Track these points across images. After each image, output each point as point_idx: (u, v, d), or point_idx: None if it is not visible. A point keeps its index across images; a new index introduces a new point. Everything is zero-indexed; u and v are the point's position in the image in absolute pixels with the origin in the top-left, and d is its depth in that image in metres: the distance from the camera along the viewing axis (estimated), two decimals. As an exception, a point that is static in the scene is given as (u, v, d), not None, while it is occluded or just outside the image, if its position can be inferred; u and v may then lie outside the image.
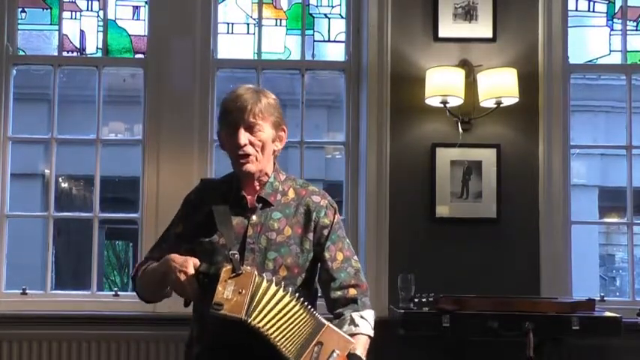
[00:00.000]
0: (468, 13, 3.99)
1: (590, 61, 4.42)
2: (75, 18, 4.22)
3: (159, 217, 3.93)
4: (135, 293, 2.25)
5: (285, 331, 1.85)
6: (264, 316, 1.83)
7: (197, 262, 1.95)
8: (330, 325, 1.93)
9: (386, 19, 3.98)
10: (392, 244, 3.89)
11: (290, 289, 1.95)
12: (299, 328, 1.87)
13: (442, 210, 3.92)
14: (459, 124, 3.91)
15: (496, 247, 3.90)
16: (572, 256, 4.03)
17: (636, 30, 4.33)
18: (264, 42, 4.20)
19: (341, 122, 4.21)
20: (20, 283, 4.04)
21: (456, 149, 3.92)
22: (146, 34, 4.15)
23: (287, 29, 4.30)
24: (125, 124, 7.23)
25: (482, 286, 3.74)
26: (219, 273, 1.87)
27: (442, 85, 3.78)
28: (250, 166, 2.09)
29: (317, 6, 4.29)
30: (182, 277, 1.92)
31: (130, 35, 4.22)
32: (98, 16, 4.22)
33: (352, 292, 2.11)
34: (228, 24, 4.27)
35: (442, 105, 3.83)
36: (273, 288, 1.88)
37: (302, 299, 1.92)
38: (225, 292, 1.83)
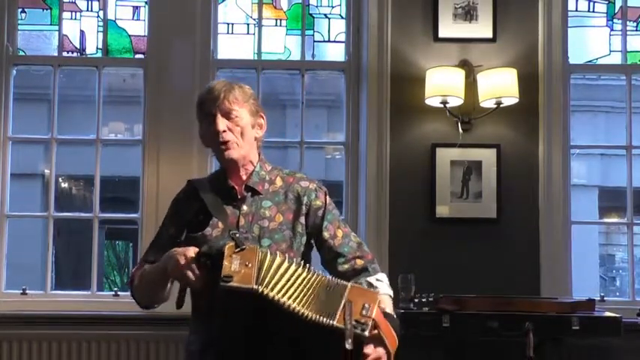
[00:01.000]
0: (468, 13, 3.99)
1: (590, 61, 4.42)
2: (75, 18, 4.22)
3: (159, 217, 3.89)
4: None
5: (305, 299, 1.83)
6: (275, 284, 1.82)
7: (192, 249, 1.94)
8: (354, 284, 1.93)
9: (386, 19, 3.98)
10: (392, 244, 3.89)
11: (296, 259, 1.95)
12: (321, 291, 1.86)
13: (442, 210, 3.92)
14: (459, 124, 3.91)
15: (496, 247, 3.90)
16: (572, 256, 4.03)
17: (636, 30, 4.33)
18: (264, 42, 4.21)
19: (341, 122, 4.21)
20: (20, 283, 4.04)
21: (456, 149, 3.92)
22: (146, 34, 4.15)
23: (287, 29, 4.30)
24: (125, 124, 7.22)
25: (482, 286, 3.74)
26: (222, 251, 1.86)
27: (442, 85, 3.78)
28: (232, 152, 2.09)
29: (317, 6, 4.29)
30: (182, 260, 1.91)
31: (130, 35, 4.22)
32: (98, 16, 4.22)
33: (359, 262, 2.13)
34: (228, 24, 4.27)
35: (442, 105, 3.83)
36: (279, 259, 1.88)
37: (313, 268, 1.91)
38: (232, 265, 1.82)
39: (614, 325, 3.35)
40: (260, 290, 1.80)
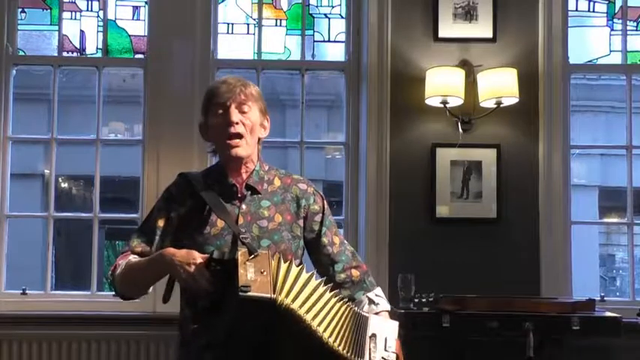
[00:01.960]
0: (468, 13, 3.99)
1: (590, 61, 4.42)
2: (75, 18, 4.22)
3: (159, 217, 3.93)
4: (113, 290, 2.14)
5: (329, 324, 1.81)
6: (296, 296, 1.79)
7: (198, 254, 1.91)
8: (372, 315, 1.95)
9: (386, 19, 3.98)
10: (392, 244, 3.89)
11: (313, 271, 1.93)
12: (344, 322, 1.84)
13: (442, 210, 3.92)
14: (459, 124, 3.91)
15: (496, 247, 3.90)
16: (572, 256, 4.03)
17: (636, 30, 4.33)
18: (264, 42, 4.21)
19: (341, 122, 4.21)
20: (20, 283, 4.04)
21: (456, 149, 3.92)
22: (146, 34, 4.15)
23: (287, 29, 4.30)
24: (125, 124, 7.23)
25: (482, 286, 3.73)
26: (235, 257, 1.82)
27: (442, 85, 3.78)
28: (240, 150, 2.06)
29: (317, 6, 4.29)
30: (191, 268, 1.87)
31: (130, 35, 4.22)
32: (98, 16, 4.22)
33: (355, 273, 2.14)
34: (228, 24, 4.27)
35: (442, 105, 3.83)
36: (295, 268, 1.84)
37: (330, 284, 1.90)
38: (248, 274, 1.78)
39: (614, 325, 3.35)
40: (279, 300, 1.76)
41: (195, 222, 2.05)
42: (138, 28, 4.21)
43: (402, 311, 3.41)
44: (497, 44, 3.99)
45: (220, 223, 2.03)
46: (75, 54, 4.22)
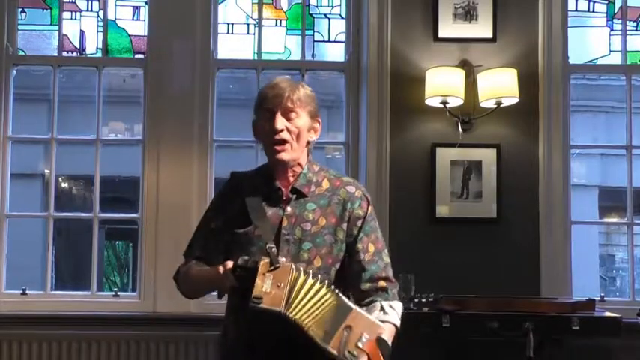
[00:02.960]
0: (468, 14, 3.99)
1: (590, 61, 4.42)
2: (75, 18, 4.22)
3: (159, 217, 3.93)
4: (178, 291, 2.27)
5: (316, 318, 1.87)
6: (301, 308, 1.85)
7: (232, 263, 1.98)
8: (359, 309, 1.95)
9: (386, 19, 3.98)
10: (392, 244, 3.87)
11: (326, 280, 1.96)
12: (327, 311, 1.89)
13: (442, 210, 3.92)
14: (459, 124, 3.91)
15: (496, 247, 3.90)
16: (572, 256, 4.03)
17: (636, 30, 4.33)
18: (264, 42, 4.21)
19: (341, 122, 4.21)
20: (20, 283, 4.04)
21: (456, 149, 3.92)
22: (146, 34, 4.15)
23: (287, 29, 4.29)
24: (125, 124, 7.22)
25: (482, 286, 3.73)
26: (256, 266, 1.87)
27: (442, 85, 3.78)
28: (284, 155, 2.08)
29: (317, 6, 4.29)
30: (220, 268, 1.95)
31: (130, 35, 4.22)
32: (98, 16, 4.22)
33: (382, 283, 2.12)
34: (228, 24, 4.26)
35: (442, 105, 3.83)
36: (310, 281, 1.90)
37: (334, 288, 1.93)
38: (264, 285, 1.83)
39: (614, 325, 3.35)
40: (287, 314, 1.83)
41: (242, 222, 2.08)
42: (138, 28, 4.21)
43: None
44: (497, 44, 3.99)
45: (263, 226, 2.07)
46: (75, 54, 4.22)
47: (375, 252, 2.14)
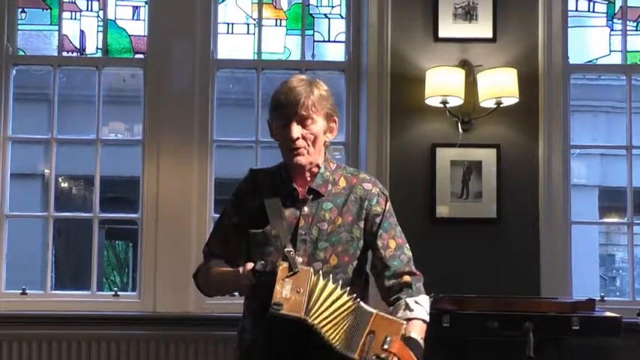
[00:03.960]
0: (468, 13, 3.99)
1: (590, 61, 4.42)
2: (75, 18, 4.21)
3: (159, 217, 3.93)
4: (199, 288, 2.27)
5: (337, 326, 1.87)
6: (322, 314, 1.86)
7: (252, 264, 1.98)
8: (379, 313, 1.94)
9: (386, 19, 3.98)
10: (392, 244, 3.88)
11: (341, 282, 1.96)
12: (347, 319, 1.89)
13: (442, 210, 3.92)
14: (459, 124, 3.91)
15: (496, 247, 3.90)
16: (572, 256, 4.03)
17: (636, 30, 4.33)
18: (264, 42, 4.21)
19: (341, 122, 4.17)
20: (20, 283, 4.04)
21: (456, 149, 3.92)
22: (146, 34, 4.15)
23: (287, 29, 4.29)
24: (125, 124, 7.22)
25: (482, 286, 3.73)
26: (275, 271, 1.88)
27: (442, 85, 3.78)
28: (301, 159, 2.09)
29: (317, 6, 4.29)
30: (240, 270, 1.96)
31: (130, 35, 4.22)
32: (98, 16, 4.21)
33: (406, 278, 2.12)
34: (228, 24, 4.26)
35: (442, 105, 3.83)
36: (331, 286, 1.90)
37: (354, 293, 1.94)
38: (284, 291, 1.84)
39: (614, 325, 3.35)
40: (308, 320, 1.84)
41: (260, 220, 2.09)
42: (138, 28, 4.21)
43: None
44: (497, 44, 3.99)
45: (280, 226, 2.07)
46: (75, 54, 4.22)
47: (397, 247, 2.14)
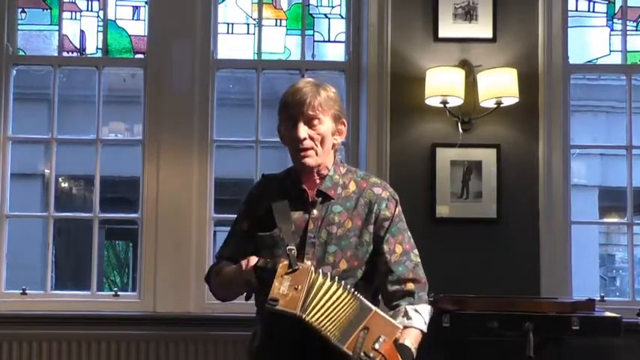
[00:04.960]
0: (468, 13, 3.99)
1: (590, 61, 4.42)
2: (75, 18, 4.22)
3: (159, 217, 3.93)
4: (210, 288, 2.28)
5: (333, 320, 1.86)
6: (317, 311, 1.85)
7: (256, 258, 1.98)
8: (378, 311, 1.93)
9: (386, 19, 3.98)
10: (392, 244, 3.88)
11: (344, 282, 1.95)
12: (345, 313, 1.88)
13: (442, 210, 3.92)
14: (459, 124, 3.91)
15: (496, 247, 3.90)
16: (572, 256, 4.03)
17: (636, 30, 4.33)
18: (264, 42, 4.21)
19: (341, 122, 4.20)
20: (20, 283, 4.04)
21: (456, 149, 3.92)
22: (146, 34, 4.15)
23: (287, 29, 4.29)
24: (125, 124, 7.22)
25: (482, 286, 3.73)
26: (276, 268, 1.88)
27: (442, 85, 3.78)
28: (310, 160, 2.09)
29: (317, 6, 4.29)
30: (243, 264, 1.97)
31: (130, 35, 4.22)
32: (98, 16, 4.22)
33: (410, 285, 2.10)
34: (228, 24, 4.26)
35: (442, 105, 3.83)
36: (328, 283, 1.90)
37: (354, 290, 1.93)
38: (282, 287, 1.84)
39: (614, 325, 3.35)
40: (303, 317, 1.83)
41: (268, 224, 2.09)
42: (138, 28, 4.21)
43: (402, 311, 3.41)
44: (497, 44, 3.99)
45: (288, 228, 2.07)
46: (75, 54, 4.22)
47: (403, 253, 2.13)
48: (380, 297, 2.20)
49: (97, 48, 4.21)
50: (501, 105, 3.82)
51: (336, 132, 2.14)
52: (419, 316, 2.06)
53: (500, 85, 3.79)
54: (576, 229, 4.11)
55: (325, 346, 1.85)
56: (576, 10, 4.29)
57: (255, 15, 4.24)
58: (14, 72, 4.11)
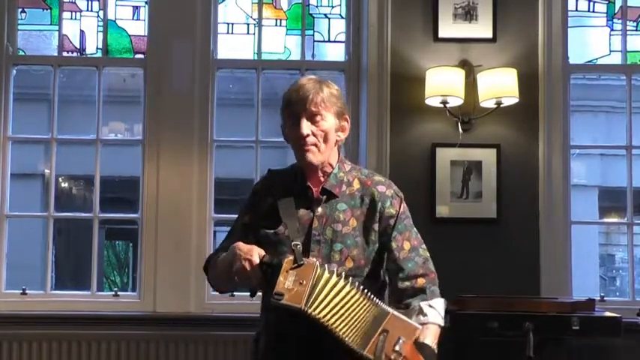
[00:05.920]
0: (468, 13, 3.99)
1: (590, 61, 4.42)
2: (75, 18, 4.22)
3: (159, 217, 3.93)
4: (209, 284, 2.29)
5: (346, 320, 1.85)
6: (324, 307, 1.84)
7: (262, 252, 1.96)
8: (395, 313, 1.93)
9: (386, 19, 3.98)
10: (392, 244, 3.88)
11: (351, 279, 1.94)
12: (362, 316, 1.88)
13: (442, 210, 3.92)
14: (459, 124, 3.91)
15: (496, 247, 3.90)
16: (572, 256, 4.03)
17: (636, 30, 4.33)
18: (264, 42, 4.20)
19: (341, 122, 4.20)
20: (20, 283, 4.04)
21: (456, 149, 3.92)
22: (146, 34, 4.15)
23: (287, 29, 4.29)
24: (125, 124, 7.23)
25: (482, 286, 3.73)
26: (281, 263, 1.88)
27: (442, 85, 3.78)
28: (313, 157, 2.08)
29: (317, 6, 4.29)
30: (247, 265, 1.94)
31: (130, 35, 4.22)
32: (98, 16, 4.22)
33: (421, 281, 2.10)
34: (228, 24, 4.27)
35: (442, 105, 3.83)
36: (334, 279, 1.89)
37: (365, 289, 1.92)
38: (287, 282, 1.84)
39: (614, 325, 3.35)
40: (308, 312, 1.83)
41: (273, 220, 2.09)
42: (138, 28, 4.21)
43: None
44: (497, 44, 3.99)
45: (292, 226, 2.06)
46: (75, 54, 4.22)
47: (411, 249, 2.13)
48: (386, 293, 2.20)
49: (97, 48, 4.21)
50: (501, 105, 3.82)
51: (339, 128, 2.15)
52: (434, 311, 2.06)
53: (500, 85, 3.79)
54: (576, 229, 4.11)
55: (330, 341, 1.85)
56: (576, 10, 4.29)
57: (255, 15, 4.24)
58: (14, 72, 4.11)
